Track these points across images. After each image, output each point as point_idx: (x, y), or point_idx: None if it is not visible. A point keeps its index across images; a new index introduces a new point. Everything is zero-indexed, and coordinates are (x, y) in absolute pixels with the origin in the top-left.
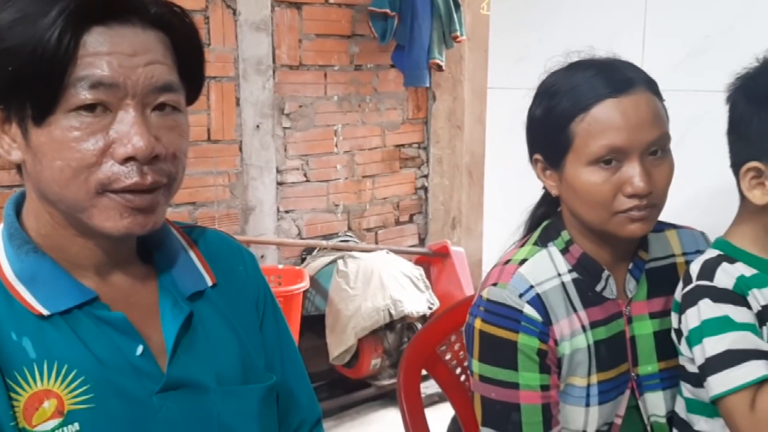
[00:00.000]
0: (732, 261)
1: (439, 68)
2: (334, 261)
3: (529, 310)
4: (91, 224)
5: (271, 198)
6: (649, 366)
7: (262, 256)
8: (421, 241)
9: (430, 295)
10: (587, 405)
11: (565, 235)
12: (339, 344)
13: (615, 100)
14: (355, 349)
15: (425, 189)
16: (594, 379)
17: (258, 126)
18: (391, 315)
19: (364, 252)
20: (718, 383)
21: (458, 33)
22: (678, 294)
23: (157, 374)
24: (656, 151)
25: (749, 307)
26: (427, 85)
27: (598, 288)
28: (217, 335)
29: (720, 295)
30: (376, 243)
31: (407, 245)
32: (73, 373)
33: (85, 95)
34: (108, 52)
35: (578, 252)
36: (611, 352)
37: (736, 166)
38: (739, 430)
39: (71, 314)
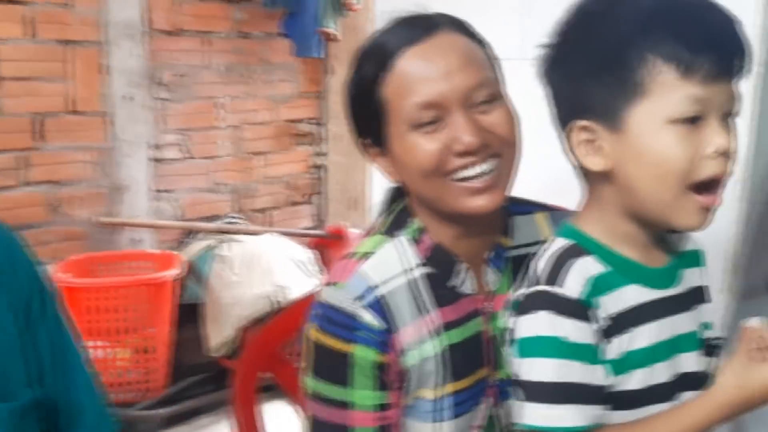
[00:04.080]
0: (584, 254)
1: (332, 38)
2: (214, 245)
3: (367, 317)
4: None
5: (143, 176)
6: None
7: (139, 240)
8: (321, 223)
9: (319, 280)
10: (439, 420)
11: (415, 222)
12: (218, 335)
13: (416, 47)
14: (238, 340)
15: (321, 168)
16: (448, 389)
17: (129, 97)
18: (278, 302)
19: (251, 235)
20: (533, 414)
21: (351, 1)
22: (520, 292)
23: None
24: (482, 100)
25: (596, 320)
26: (318, 55)
27: (453, 283)
28: None
29: (564, 309)
30: (271, 225)
31: (303, 227)
32: None
33: None
34: None
35: (430, 242)
36: (467, 357)
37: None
38: None
39: None
